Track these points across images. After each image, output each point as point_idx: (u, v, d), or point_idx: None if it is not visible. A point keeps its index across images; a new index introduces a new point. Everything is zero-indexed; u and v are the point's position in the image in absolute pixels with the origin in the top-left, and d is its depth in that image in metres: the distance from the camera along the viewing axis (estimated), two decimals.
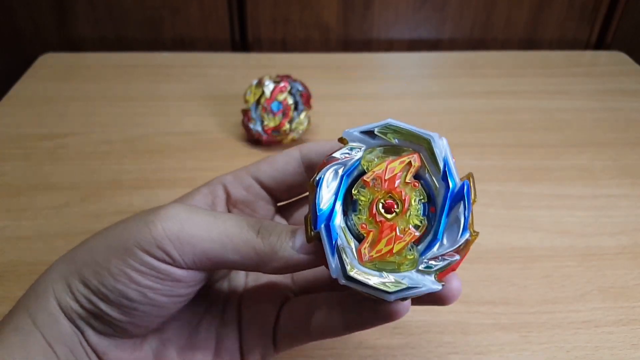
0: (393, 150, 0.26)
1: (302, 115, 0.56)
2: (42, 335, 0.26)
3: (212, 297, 0.33)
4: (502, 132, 0.62)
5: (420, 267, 0.24)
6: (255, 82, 0.57)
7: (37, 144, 0.58)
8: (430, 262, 0.24)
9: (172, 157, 0.56)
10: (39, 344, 0.26)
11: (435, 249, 0.24)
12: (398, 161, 0.25)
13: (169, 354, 0.30)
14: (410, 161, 0.25)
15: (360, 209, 0.25)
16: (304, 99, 0.57)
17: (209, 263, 0.27)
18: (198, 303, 0.32)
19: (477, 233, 0.24)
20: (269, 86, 0.56)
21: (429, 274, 0.24)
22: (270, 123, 0.55)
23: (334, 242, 0.24)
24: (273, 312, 0.32)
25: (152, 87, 0.68)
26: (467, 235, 0.24)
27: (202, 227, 0.26)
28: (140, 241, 0.26)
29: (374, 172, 0.25)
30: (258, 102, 0.56)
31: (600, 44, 0.83)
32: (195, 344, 0.31)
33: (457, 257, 0.24)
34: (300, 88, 0.57)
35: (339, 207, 0.25)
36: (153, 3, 0.76)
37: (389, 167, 0.25)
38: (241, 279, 0.34)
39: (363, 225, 0.25)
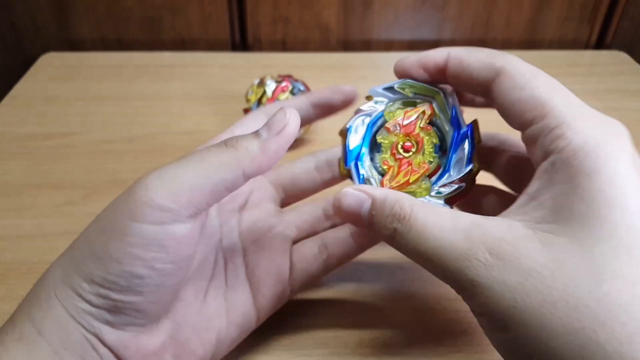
0: (410, 103, 0.31)
1: None
2: (48, 344, 0.26)
3: (212, 267, 0.34)
4: (501, 132, 0.62)
5: (432, 193, 0.29)
6: (257, 81, 0.57)
7: (39, 143, 0.58)
8: (440, 189, 0.29)
9: (173, 157, 0.55)
10: (45, 352, 0.26)
11: (444, 178, 0.29)
12: (414, 111, 0.31)
13: (184, 333, 0.30)
14: (424, 110, 0.31)
15: (383, 150, 0.31)
16: None
17: (207, 197, 0.27)
18: (199, 276, 0.33)
19: (481, 166, 0.29)
20: (270, 86, 0.56)
21: (439, 198, 0.29)
22: None
23: (361, 175, 0.30)
24: (285, 261, 0.35)
25: (154, 87, 0.69)
26: (470, 166, 0.29)
27: (187, 174, 0.27)
28: (133, 213, 0.26)
29: (394, 120, 0.31)
30: (259, 101, 0.56)
31: (600, 44, 0.83)
32: (208, 317, 0.31)
33: (463, 185, 0.29)
34: (302, 88, 0.57)
35: (365, 150, 0.31)
36: (153, 3, 0.76)
37: (406, 115, 0.31)
38: (235, 236, 0.36)
39: (385, 162, 0.30)
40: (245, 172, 0.27)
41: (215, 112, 0.64)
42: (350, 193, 0.28)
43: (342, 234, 0.36)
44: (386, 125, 0.31)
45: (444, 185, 0.29)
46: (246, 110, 0.57)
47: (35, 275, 0.43)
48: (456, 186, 0.29)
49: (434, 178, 0.30)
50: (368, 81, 0.71)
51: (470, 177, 0.29)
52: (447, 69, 0.31)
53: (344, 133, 0.32)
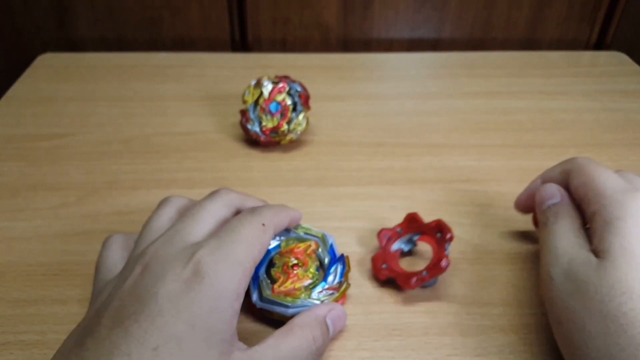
0: (300, 239, 0.41)
1: (301, 116, 0.56)
2: None
3: None
4: (501, 132, 0.62)
5: (312, 297, 0.38)
6: (253, 82, 0.57)
7: (35, 144, 0.58)
8: (317, 294, 0.38)
9: (169, 158, 0.56)
10: None
11: (320, 287, 0.38)
12: (303, 244, 0.41)
13: None
14: (311, 244, 0.41)
15: (277, 267, 0.39)
16: (302, 100, 0.57)
17: None
18: None
19: (349, 285, 0.40)
20: (267, 87, 0.56)
21: (317, 301, 0.38)
22: (269, 124, 0.55)
23: (257, 280, 0.38)
24: None
25: (150, 88, 0.68)
26: (341, 280, 0.40)
27: None
28: None
29: (289, 248, 0.40)
30: (256, 102, 0.56)
31: (600, 44, 0.83)
32: None
33: (335, 292, 0.39)
34: (299, 89, 0.57)
35: (263, 269, 0.39)
36: (153, 3, 0.76)
37: (297, 245, 0.40)
38: None
39: (277, 273, 0.39)
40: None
41: (213, 113, 0.63)
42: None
43: None
44: (281, 250, 0.40)
45: (320, 292, 0.38)
46: (243, 112, 0.56)
47: (30, 278, 0.43)
48: (330, 292, 0.38)
49: (315, 289, 0.38)
50: (367, 81, 0.72)
51: (341, 289, 0.39)
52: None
53: None
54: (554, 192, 0.40)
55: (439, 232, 0.43)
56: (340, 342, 0.38)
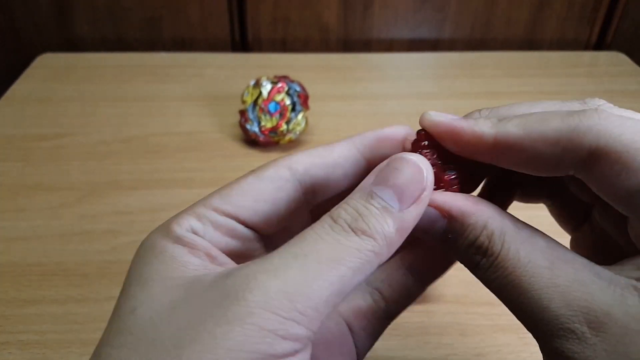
0: None
1: (300, 116, 0.56)
2: None
3: None
4: None
5: None
6: (252, 82, 0.57)
7: (35, 144, 0.58)
8: None
9: (169, 158, 0.56)
10: None
11: None
12: None
13: None
14: None
15: None
16: (301, 100, 0.57)
17: (331, 308, 0.20)
18: None
19: None
20: (266, 87, 0.56)
21: None
22: (268, 124, 0.55)
23: None
24: (345, 334, 0.27)
25: (150, 88, 0.68)
26: None
27: (315, 281, 0.19)
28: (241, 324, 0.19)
29: None
30: (255, 102, 0.56)
31: (600, 44, 0.83)
32: None
33: None
34: (298, 89, 0.57)
35: None
36: (153, 3, 0.76)
37: None
38: None
39: None
40: (380, 262, 0.21)
41: (212, 113, 0.63)
42: (413, 209, 0.21)
43: (394, 271, 0.27)
44: None
45: None
46: (242, 112, 0.56)
47: (30, 278, 0.43)
48: None
49: None
50: (367, 81, 0.72)
51: None
52: (496, 146, 0.22)
53: None
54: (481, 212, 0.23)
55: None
56: None
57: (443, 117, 0.25)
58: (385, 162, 0.22)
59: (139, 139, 0.59)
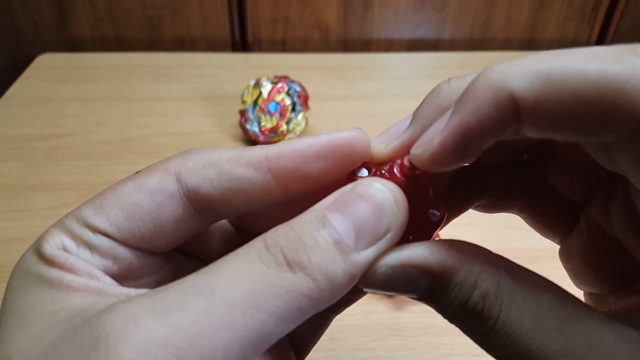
0: None
1: (300, 116, 0.56)
2: None
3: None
4: None
5: None
6: (252, 82, 0.57)
7: (34, 144, 0.58)
8: None
9: None
10: None
11: None
12: None
13: None
14: None
15: None
16: (301, 100, 0.57)
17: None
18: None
19: None
20: (266, 87, 0.56)
21: None
22: (268, 124, 0.55)
23: None
24: None
25: (150, 88, 0.68)
26: None
27: (221, 330, 0.15)
28: None
29: None
30: (255, 103, 0.56)
31: (600, 44, 0.82)
32: None
33: None
34: (298, 89, 0.57)
35: None
36: (153, 3, 0.76)
37: None
38: None
39: None
40: (318, 310, 0.16)
41: (212, 113, 0.63)
42: (371, 251, 0.17)
43: None
44: None
45: None
46: (242, 112, 0.56)
47: None
48: None
49: None
50: (367, 81, 0.72)
51: None
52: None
53: None
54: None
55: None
56: (339, 342, 0.38)
57: (387, 143, 0.19)
58: (350, 186, 0.17)
59: (138, 139, 0.59)
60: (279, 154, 0.19)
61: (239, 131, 0.59)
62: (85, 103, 0.65)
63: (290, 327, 0.16)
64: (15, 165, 0.55)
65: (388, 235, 0.17)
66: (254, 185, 0.19)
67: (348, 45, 0.81)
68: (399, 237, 0.17)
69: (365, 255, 0.16)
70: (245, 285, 0.15)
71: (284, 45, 0.81)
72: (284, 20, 0.78)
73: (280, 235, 0.16)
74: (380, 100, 0.67)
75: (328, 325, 0.23)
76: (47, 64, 0.73)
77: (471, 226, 0.49)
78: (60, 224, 0.19)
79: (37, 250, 0.18)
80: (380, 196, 0.17)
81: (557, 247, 0.46)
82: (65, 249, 0.18)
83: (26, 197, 0.51)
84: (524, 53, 0.78)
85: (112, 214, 0.18)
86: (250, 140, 0.58)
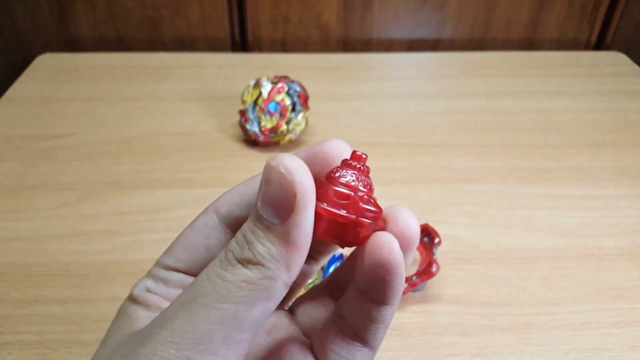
0: None
1: (300, 117, 0.56)
2: None
3: None
4: (501, 132, 0.61)
5: None
6: (252, 82, 0.57)
7: (35, 144, 0.58)
8: None
9: (169, 158, 0.56)
10: None
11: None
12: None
13: None
14: None
15: None
16: (301, 100, 0.57)
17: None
18: None
19: None
20: (266, 87, 0.56)
21: None
22: (268, 124, 0.55)
23: None
24: None
25: (150, 88, 0.68)
26: None
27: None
28: None
29: None
30: (255, 103, 0.56)
31: (600, 44, 0.83)
32: None
33: None
34: (298, 89, 0.57)
35: None
36: (153, 3, 0.76)
37: None
38: None
39: None
40: (285, 282, 0.20)
41: (212, 113, 0.63)
42: (294, 218, 0.19)
43: None
44: None
45: None
46: (242, 112, 0.56)
47: (30, 278, 0.43)
48: None
49: None
50: (367, 81, 0.72)
51: None
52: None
53: None
54: None
55: (426, 237, 0.43)
56: None
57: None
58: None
59: (139, 139, 0.59)
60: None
61: (239, 131, 0.59)
62: (85, 103, 0.65)
63: (269, 305, 0.20)
64: (15, 165, 0.55)
65: (299, 196, 0.19)
66: None
67: (348, 45, 0.81)
68: (310, 192, 0.19)
69: (292, 224, 0.19)
70: (213, 288, 0.19)
71: (284, 45, 0.81)
72: (284, 20, 0.78)
73: (232, 242, 0.20)
74: (380, 100, 0.67)
75: (314, 272, 0.27)
76: (47, 64, 0.73)
77: (471, 226, 0.49)
78: (148, 272, 0.24)
79: (130, 293, 0.24)
80: (275, 172, 0.19)
81: (557, 247, 0.46)
82: (147, 290, 0.24)
83: (26, 197, 0.51)
84: (524, 53, 0.79)
85: (177, 253, 0.24)
86: (250, 140, 0.58)
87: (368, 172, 0.21)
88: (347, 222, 0.20)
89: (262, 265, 0.19)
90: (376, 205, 0.21)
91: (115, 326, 0.23)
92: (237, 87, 0.65)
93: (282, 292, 0.20)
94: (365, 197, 0.20)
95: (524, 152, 0.58)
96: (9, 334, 0.38)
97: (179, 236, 0.24)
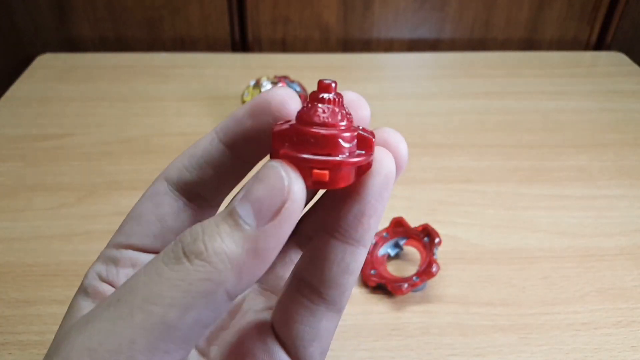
0: None
1: None
2: None
3: None
4: (501, 132, 0.61)
5: None
6: (252, 83, 0.57)
7: (34, 144, 0.58)
8: None
9: (169, 158, 0.55)
10: None
11: None
12: None
13: None
14: None
15: None
16: (301, 100, 0.56)
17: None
18: None
19: None
20: (266, 87, 0.56)
21: None
22: None
23: None
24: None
25: (150, 88, 0.68)
26: None
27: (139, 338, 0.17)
28: None
29: None
30: None
31: (600, 44, 0.83)
32: None
33: None
34: (298, 89, 0.57)
35: None
36: (153, 3, 0.76)
37: None
38: None
39: None
40: (229, 292, 0.17)
41: (212, 113, 0.63)
42: (270, 226, 0.17)
43: None
44: None
45: None
46: None
47: (30, 278, 0.43)
48: None
49: None
50: (367, 81, 0.72)
51: None
52: None
53: None
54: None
55: (426, 237, 0.43)
56: (339, 342, 0.38)
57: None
58: (255, 172, 0.18)
59: (139, 139, 0.59)
60: (222, 124, 0.22)
61: None
62: (85, 103, 0.65)
63: (203, 313, 0.17)
64: (15, 165, 0.55)
65: (287, 206, 0.17)
66: (213, 158, 0.22)
67: (348, 45, 0.81)
68: (300, 206, 0.18)
69: (265, 231, 0.17)
70: (145, 285, 0.17)
71: (284, 45, 0.81)
72: (284, 20, 0.78)
73: (186, 232, 0.17)
74: (380, 100, 0.67)
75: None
76: (47, 64, 0.73)
77: (471, 226, 0.49)
78: (100, 255, 0.22)
79: (81, 283, 0.22)
80: (273, 174, 0.17)
81: (557, 247, 0.46)
82: (99, 276, 0.22)
83: (26, 198, 0.51)
84: (524, 53, 0.79)
85: (127, 227, 0.22)
86: None
87: (342, 101, 0.19)
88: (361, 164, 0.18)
89: (211, 263, 0.16)
90: (365, 133, 0.19)
91: (62, 324, 0.20)
92: (237, 87, 0.65)
93: (223, 304, 0.17)
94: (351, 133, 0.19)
95: (524, 152, 0.58)
96: (9, 334, 0.38)
97: (129, 212, 0.22)
